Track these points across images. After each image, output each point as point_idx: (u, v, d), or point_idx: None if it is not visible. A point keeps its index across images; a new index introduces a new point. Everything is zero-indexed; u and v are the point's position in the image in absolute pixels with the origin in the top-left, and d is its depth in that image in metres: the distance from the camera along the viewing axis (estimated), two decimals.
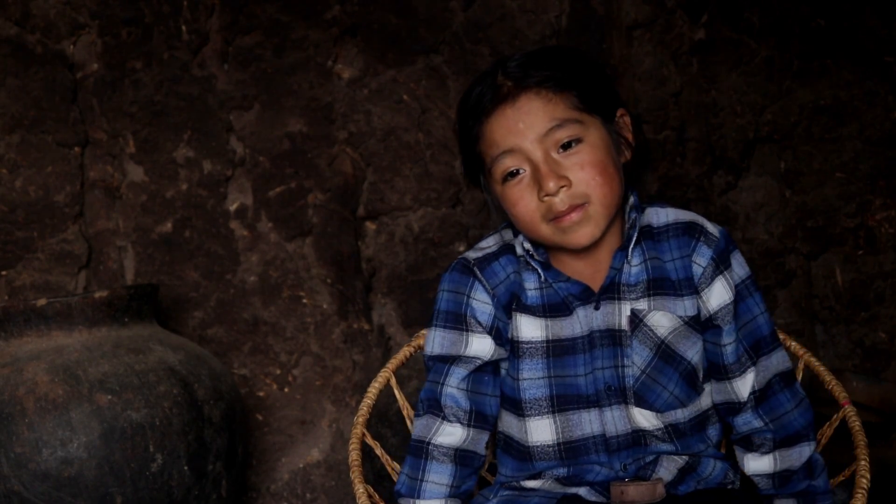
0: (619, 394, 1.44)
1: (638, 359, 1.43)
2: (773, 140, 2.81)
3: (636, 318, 1.44)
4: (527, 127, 1.38)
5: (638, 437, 1.44)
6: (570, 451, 1.45)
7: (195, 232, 2.59)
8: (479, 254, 1.52)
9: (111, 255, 2.57)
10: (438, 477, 1.46)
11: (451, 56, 2.68)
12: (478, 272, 1.50)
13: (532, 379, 1.46)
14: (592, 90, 1.41)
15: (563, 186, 1.37)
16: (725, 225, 2.78)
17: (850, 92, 2.82)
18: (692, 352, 1.45)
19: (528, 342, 1.47)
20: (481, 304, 1.49)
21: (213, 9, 2.60)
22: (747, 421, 1.46)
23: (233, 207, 2.61)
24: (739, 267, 1.47)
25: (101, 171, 2.56)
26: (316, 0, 2.63)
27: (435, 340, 1.51)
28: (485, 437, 1.51)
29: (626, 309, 1.45)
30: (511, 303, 1.49)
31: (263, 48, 2.61)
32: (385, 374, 1.64)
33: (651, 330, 1.44)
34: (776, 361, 1.47)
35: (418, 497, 1.46)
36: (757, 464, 1.45)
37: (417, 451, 1.48)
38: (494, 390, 1.51)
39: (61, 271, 2.53)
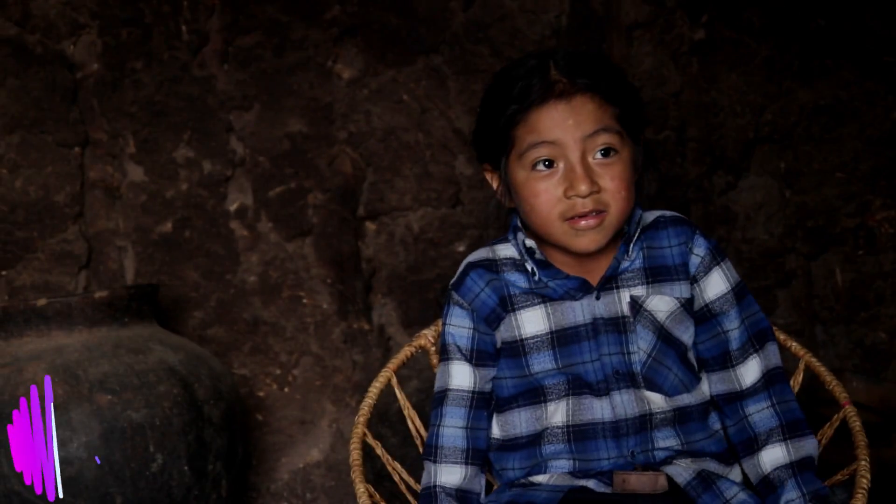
0: (627, 378, 1.47)
1: (643, 343, 1.47)
2: (773, 140, 2.81)
3: (636, 304, 1.49)
4: (576, 125, 1.41)
5: (644, 422, 1.46)
6: (577, 433, 1.47)
7: (195, 232, 2.59)
8: (455, 277, 1.57)
9: (111, 255, 2.57)
10: None
11: (451, 56, 2.67)
12: (454, 295, 1.55)
13: (545, 371, 1.49)
14: (632, 109, 1.47)
15: (593, 191, 1.41)
16: (725, 225, 2.79)
17: (850, 92, 2.82)
18: (686, 335, 1.50)
19: (532, 336, 1.50)
20: (458, 327, 1.54)
21: (213, 9, 2.60)
22: (757, 401, 1.47)
23: (233, 207, 2.61)
24: (731, 270, 1.53)
25: (101, 171, 2.56)
26: (316, 0, 2.63)
27: (436, 380, 1.57)
28: (481, 474, 1.53)
29: (625, 296, 1.49)
30: (497, 308, 1.52)
31: (263, 48, 2.61)
32: (386, 374, 1.64)
33: (651, 314, 1.48)
34: (776, 351, 1.51)
35: None
36: (772, 455, 1.44)
37: (427, 499, 1.50)
38: (488, 424, 1.55)
39: (61, 271, 2.53)
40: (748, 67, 2.80)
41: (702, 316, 1.51)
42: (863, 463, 1.42)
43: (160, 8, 2.57)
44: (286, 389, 2.63)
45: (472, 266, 1.55)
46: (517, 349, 1.51)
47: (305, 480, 2.63)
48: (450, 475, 1.50)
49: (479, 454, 1.52)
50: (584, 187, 1.40)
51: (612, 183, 1.42)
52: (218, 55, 2.60)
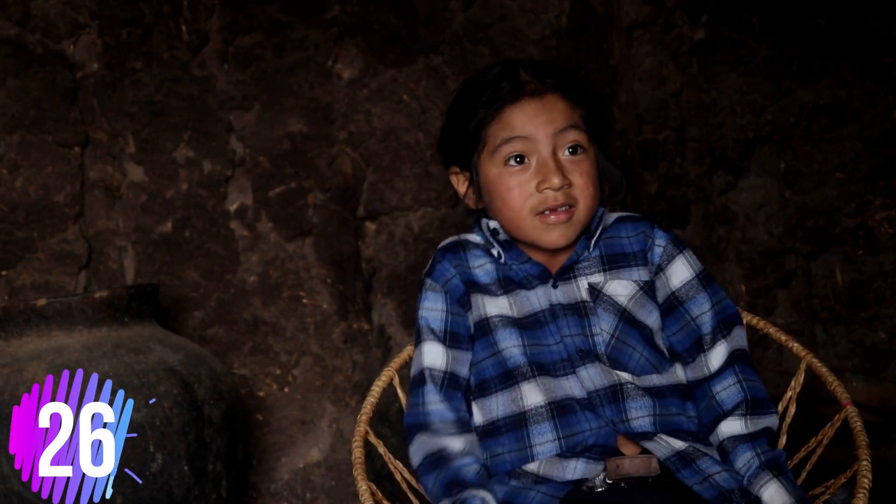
0: (591, 355, 1.50)
1: (605, 325, 1.51)
2: (773, 140, 2.81)
3: (595, 290, 1.53)
4: (548, 121, 1.48)
5: (616, 392, 1.47)
6: (560, 409, 1.47)
7: (195, 232, 2.59)
8: (428, 266, 1.60)
9: (111, 255, 2.57)
10: (470, 467, 1.44)
11: (451, 56, 2.68)
12: (427, 282, 1.58)
13: (511, 347, 1.52)
14: (596, 112, 1.55)
15: (565, 185, 1.47)
16: (725, 225, 2.79)
17: (850, 92, 2.83)
18: (651, 319, 1.54)
19: (497, 315, 1.54)
20: (431, 310, 1.56)
21: (213, 9, 2.60)
22: (723, 379, 1.49)
23: (233, 207, 2.61)
24: (694, 259, 1.57)
25: (101, 171, 2.56)
26: (316, 0, 2.63)
27: (412, 365, 1.59)
28: (478, 445, 1.52)
29: (583, 284, 1.54)
30: (468, 289, 1.56)
31: (263, 48, 2.61)
32: (389, 373, 1.65)
33: (611, 298, 1.53)
34: (742, 334, 1.54)
35: (477, 482, 1.43)
36: (731, 427, 1.46)
37: (438, 462, 1.46)
38: (465, 405, 1.55)
39: (61, 271, 2.53)
40: (748, 67, 2.80)
41: (669, 306, 1.55)
42: (864, 463, 1.42)
43: (160, 8, 2.57)
44: (286, 389, 2.63)
45: (442, 252, 1.59)
46: (486, 328, 1.54)
47: (305, 480, 2.63)
48: (454, 442, 1.47)
49: (468, 425, 1.52)
50: (556, 180, 1.46)
51: (581, 179, 1.49)
52: (218, 55, 2.60)
